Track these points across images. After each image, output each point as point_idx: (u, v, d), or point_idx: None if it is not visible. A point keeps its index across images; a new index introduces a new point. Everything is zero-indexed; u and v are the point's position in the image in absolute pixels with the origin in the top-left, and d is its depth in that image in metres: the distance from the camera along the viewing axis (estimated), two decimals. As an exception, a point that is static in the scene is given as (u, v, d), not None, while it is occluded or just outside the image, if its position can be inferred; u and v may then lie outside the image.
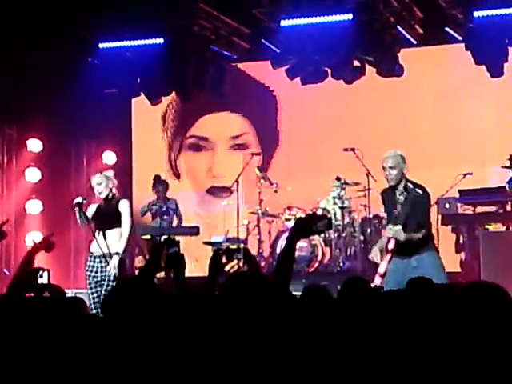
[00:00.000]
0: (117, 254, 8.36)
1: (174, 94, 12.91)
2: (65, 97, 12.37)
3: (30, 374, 2.59)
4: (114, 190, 8.63)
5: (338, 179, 11.67)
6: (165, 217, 12.18)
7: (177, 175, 13.82)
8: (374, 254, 7.56)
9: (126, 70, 12.44)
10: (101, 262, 8.39)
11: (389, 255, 7.37)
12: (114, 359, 2.77)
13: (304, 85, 12.31)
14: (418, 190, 7.44)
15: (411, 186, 7.44)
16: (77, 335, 2.96)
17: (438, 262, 7.37)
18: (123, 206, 8.53)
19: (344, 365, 2.26)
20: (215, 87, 12.60)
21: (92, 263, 8.46)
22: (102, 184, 8.48)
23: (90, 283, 8.44)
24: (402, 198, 7.39)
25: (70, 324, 3.12)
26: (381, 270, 7.30)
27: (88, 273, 8.48)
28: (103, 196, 8.48)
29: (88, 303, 7.75)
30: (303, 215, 11.18)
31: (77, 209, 8.31)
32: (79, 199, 8.39)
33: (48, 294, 4.69)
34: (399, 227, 7.28)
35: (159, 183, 12.34)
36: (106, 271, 8.36)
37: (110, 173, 8.77)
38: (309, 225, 3.68)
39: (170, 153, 13.90)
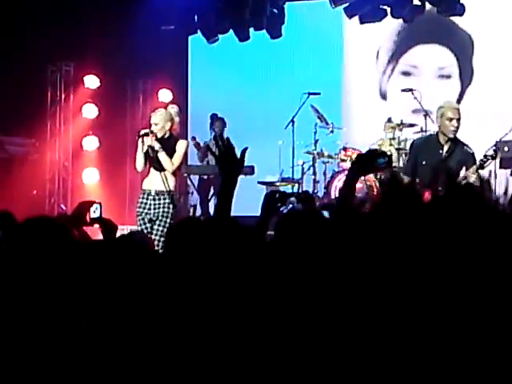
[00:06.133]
0: (168, 192, 8.37)
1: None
2: (121, 33, 12.36)
3: (95, 313, 2.57)
4: (169, 129, 8.52)
5: (390, 120, 11.54)
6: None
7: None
8: None
9: (183, 7, 12.37)
10: (154, 199, 8.40)
11: None
12: (175, 297, 2.76)
13: (363, 23, 12.13)
14: (465, 148, 7.34)
15: (458, 142, 7.36)
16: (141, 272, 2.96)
17: None
18: (180, 145, 8.47)
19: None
20: (273, 26, 12.47)
21: (145, 200, 8.46)
22: (158, 125, 8.39)
23: (142, 219, 8.46)
24: (448, 152, 7.29)
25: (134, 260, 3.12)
26: None
27: (140, 210, 8.46)
28: (158, 136, 8.39)
29: None
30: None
31: (140, 140, 8.34)
32: (146, 130, 8.40)
33: (99, 226, 4.70)
34: None
35: (216, 121, 12.28)
36: (158, 208, 8.38)
37: (175, 111, 8.66)
38: (370, 161, 3.64)
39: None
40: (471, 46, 12.88)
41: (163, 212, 8.34)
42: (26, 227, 3.06)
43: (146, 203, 8.43)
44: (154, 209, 8.38)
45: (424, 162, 7.50)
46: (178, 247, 3.04)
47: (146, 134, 8.33)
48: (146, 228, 8.36)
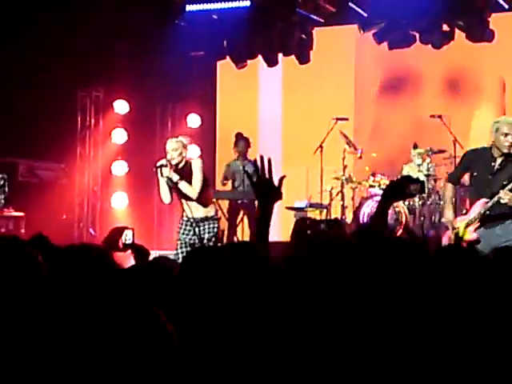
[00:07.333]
0: (211, 218, 8.38)
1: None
2: (151, 59, 12.45)
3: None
4: (186, 156, 8.50)
5: (416, 146, 11.49)
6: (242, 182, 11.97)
7: None
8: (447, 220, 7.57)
9: (212, 32, 12.44)
10: (198, 226, 8.31)
11: (477, 224, 7.31)
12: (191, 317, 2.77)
13: (391, 49, 12.12)
14: None
15: None
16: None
17: None
18: (195, 164, 8.39)
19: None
20: (301, 51, 12.50)
21: (188, 227, 8.41)
22: (177, 151, 8.31)
23: (181, 242, 8.42)
24: (500, 166, 7.23)
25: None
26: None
27: (181, 235, 8.41)
28: (174, 162, 8.29)
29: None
30: (387, 182, 11.06)
31: (158, 171, 8.29)
32: (162, 161, 8.36)
33: (132, 252, 4.73)
34: None
35: (241, 140, 12.18)
36: (204, 234, 8.34)
37: (187, 140, 8.69)
38: (402, 187, 3.61)
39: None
40: (502, 85, 12.83)
41: (208, 237, 8.34)
42: (69, 254, 3.07)
43: (188, 230, 8.41)
44: (194, 235, 8.35)
45: (475, 174, 7.48)
46: (191, 274, 3.05)
47: (164, 166, 8.30)
48: (187, 251, 8.32)
